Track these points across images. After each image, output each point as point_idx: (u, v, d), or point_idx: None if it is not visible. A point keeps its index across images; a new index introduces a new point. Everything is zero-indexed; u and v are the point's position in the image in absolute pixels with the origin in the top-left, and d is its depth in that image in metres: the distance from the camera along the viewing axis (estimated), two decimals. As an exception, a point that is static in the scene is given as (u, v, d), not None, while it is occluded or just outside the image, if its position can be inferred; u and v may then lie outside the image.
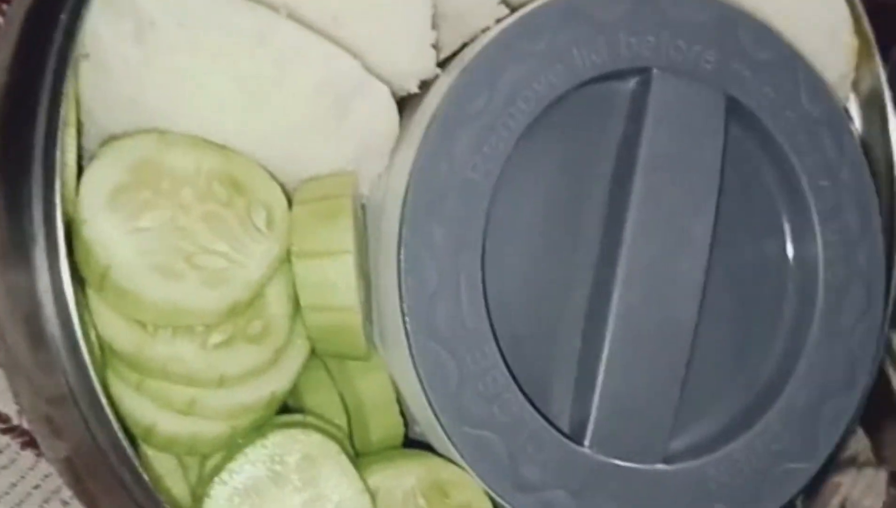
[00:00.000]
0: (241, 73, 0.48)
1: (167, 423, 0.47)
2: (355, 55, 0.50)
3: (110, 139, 0.49)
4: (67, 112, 0.46)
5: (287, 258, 0.49)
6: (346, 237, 0.48)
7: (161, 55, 0.48)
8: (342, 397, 0.52)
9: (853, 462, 0.72)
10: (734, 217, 0.56)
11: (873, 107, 0.61)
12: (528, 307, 0.53)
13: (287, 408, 0.52)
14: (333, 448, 0.48)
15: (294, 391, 0.52)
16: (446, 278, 0.50)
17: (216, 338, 0.47)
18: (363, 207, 0.54)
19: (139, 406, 0.47)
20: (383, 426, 0.52)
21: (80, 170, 0.47)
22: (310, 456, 0.48)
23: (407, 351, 0.50)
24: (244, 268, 0.47)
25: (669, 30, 0.54)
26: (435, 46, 0.53)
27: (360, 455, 0.52)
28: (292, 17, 0.49)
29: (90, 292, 0.47)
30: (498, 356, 0.51)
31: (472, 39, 0.55)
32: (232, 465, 0.47)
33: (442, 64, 0.55)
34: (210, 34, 0.47)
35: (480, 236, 0.51)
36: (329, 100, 0.49)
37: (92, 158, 0.48)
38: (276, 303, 0.49)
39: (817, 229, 0.56)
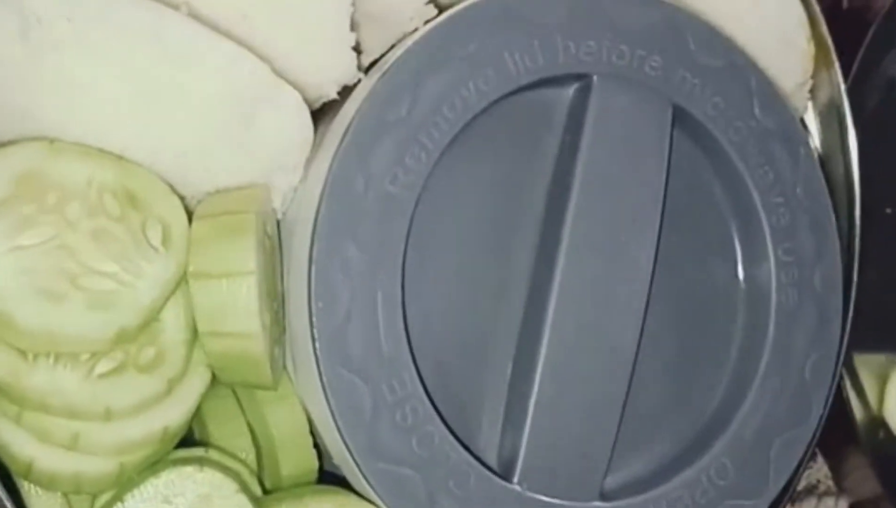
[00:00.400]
0: (135, 75, 0.44)
1: (48, 459, 0.43)
2: (267, 58, 0.47)
3: (-5, 147, 0.45)
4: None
5: (185, 279, 0.45)
6: (247, 257, 0.43)
7: (48, 54, 0.44)
8: (251, 428, 0.48)
9: (813, 491, 0.69)
10: (680, 236, 0.52)
11: (831, 118, 0.57)
12: (453, 332, 0.49)
13: (191, 439, 0.48)
14: (232, 486, 0.44)
15: (199, 420, 0.48)
16: (361, 300, 0.46)
17: (103, 367, 0.43)
18: (278, 222, 0.50)
19: (17, 440, 0.43)
20: (294, 459, 0.48)
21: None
22: (206, 496, 0.44)
23: (318, 379, 0.46)
24: (133, 290, 0.43)
25: (612, 33, 0.50)
26: (357, 49, 0.50)
27: (268, 492, 0.48)
28: (195, 14, 0.45)
29: (-36, 314, 0.43)
30: (418, 384, 0.47)
31: (399, 42, 0.51)
32: (120, 505, 0.43)
33: (367, 69, 0.51)
34: (99, 31, 0.43)
35: (400, 255, 0.47)
36: (232, 106, 0.45)
37: (-27, 168, 0.44)
38: (173, 328, 0.45)
39: (770, 249, 0.53)
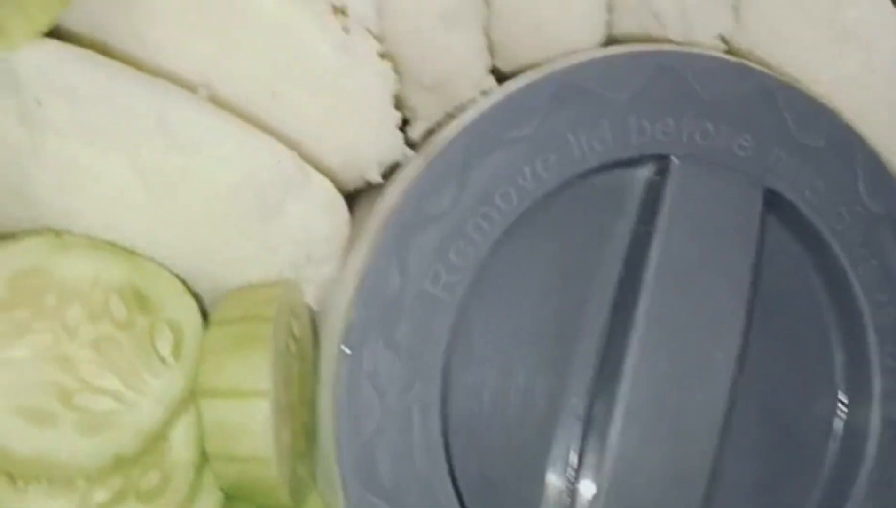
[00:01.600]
0: (142, 163, 0.39)
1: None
2: (299, 139, 0.42)
3: (-2, 239, 0.41)
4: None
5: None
6: (261, 375, 0.39)
7: (50, 139, 0.39)
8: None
9: None
10: (769, 338, 0.46)
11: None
12: (500, 447, 0.44)
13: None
14: None
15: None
16: (393, 413, 0.41)
17: (100, 495, 0.39)
18: (314, 318, 0.45)
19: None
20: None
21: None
22: None
23: (342, 504, 0.41)
24: (135, 410, 0.39)
25: (694, 109, 0.44)
26: (405, 123, 0.44)
27: None
28: (215, 95, 0.40)
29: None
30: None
31: (455, 112, 0.46)
32: None
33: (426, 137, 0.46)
34: (102, 115, 0.39)
35: (440, 364, 0.42)
36: (251, 198, 0.40)
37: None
38: (181, 448, 0.40)
39: (873, 352, 0.46)
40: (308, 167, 0.41)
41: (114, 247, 0.41)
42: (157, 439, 0.39)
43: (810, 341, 0.47)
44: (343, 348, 0.41)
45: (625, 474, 0.43)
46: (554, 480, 0.44)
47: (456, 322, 0.42)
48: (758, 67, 0.45)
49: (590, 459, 0.44)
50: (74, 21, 0.42)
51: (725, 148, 0.44)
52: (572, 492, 0.44)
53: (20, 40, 0.38)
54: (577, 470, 0.44)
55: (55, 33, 0.41)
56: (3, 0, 0.38)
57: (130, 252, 0.41)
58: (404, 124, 0.47)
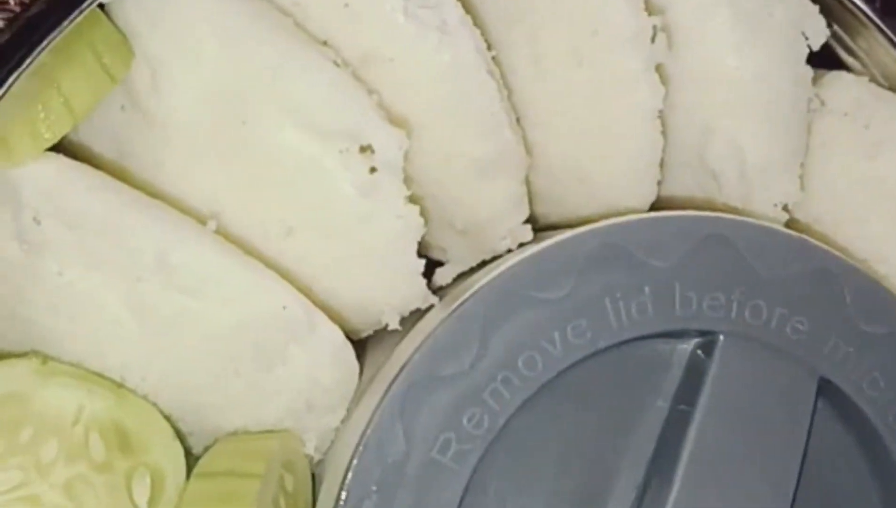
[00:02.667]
0: (139, 297, 0.37)
1: None
2: (313, 279, 0.39)
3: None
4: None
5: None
6: (239, 539, 0.35)
7: (46, 260, 0.37)
8: None
9: None
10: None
11: None
12: None
13: None
14: None
15: None
16: (390, 592, 0.37)
17: None
18: (317, 465, 0.41)
19: None
20: None
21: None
22: None
23: None
24: (99, 570, 0.36)
25: (746, 284, 0.41)
26: (435, 267, 0.41)
27: None
28: (225, 229, 0.38)
29: None
30: None
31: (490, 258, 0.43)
32: None
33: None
34: (101, 245, 0.36)
35: (446, 538, 0.38)
36: (250, 343, 0.37)
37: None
38: None
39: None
40: (317, 314, 0.38)
41: (101, 379, 0.38)
42: None
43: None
44: (335, 516, 0.37)
45: None
46: None
47: (465, 495, 0.38)
48: (819, 245, 0.42)
49: None
50: (91, 136, 0.40)
51: (777, 329, 0.41)
52: None
53: (25, 157, 0.36)
54: None
55: (67, 146, 0.39)
56: (10, 115, 0.35)
57: (119, 385, 0.38)
58: (436, 266, 0.44)
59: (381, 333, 0.42)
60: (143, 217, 0.36)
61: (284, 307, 0.37)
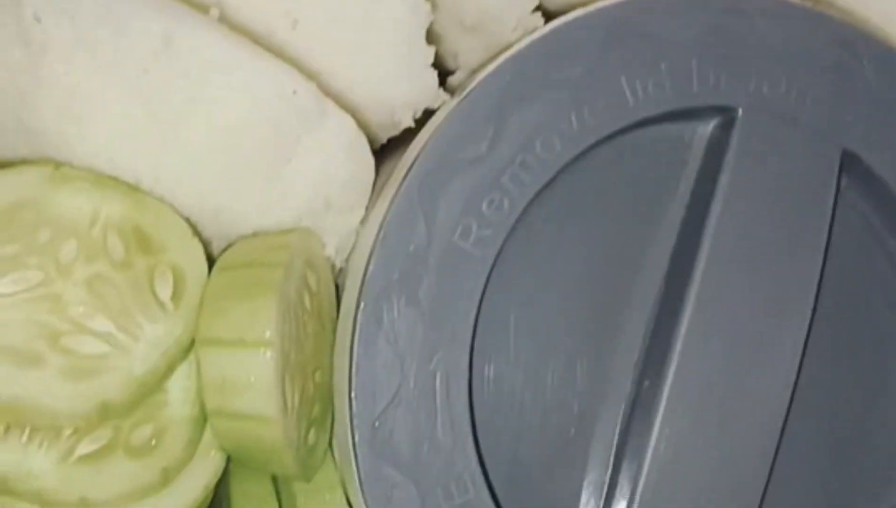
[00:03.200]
0: (147, 88, 0.36)
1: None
2: (322, 75, 0.38)
3: (-1, 168, 0.37)
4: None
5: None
6: (264, 324, 0.35)
7: (51, 61, 0.36)
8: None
9: None
10: (840, 318, 0.41)
11: None
12: (534, 424, 0.39)
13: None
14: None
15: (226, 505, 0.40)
16: (414, 379, 0.37)
17: (85, 447, 0.35)
18: (339, 273, 0.41)
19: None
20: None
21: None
22: None
23: (356, 477, 0.37)
24: (127, 356, 0.35)
25: (763, 57, 0.40)
26: (440, 66, 0.40)
27: None
28: (228, 19, 0.37)
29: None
30: (484, 488, 0.38)
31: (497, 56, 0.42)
32: None
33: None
34: (105, 35, 0.35)
35: (469, 327, 0.38)
36: (265, 133, 0.36)
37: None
38: (178, 402, 0.36)
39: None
40: (328, 102, 0.37)
41: (116, 181, 0.37)
42: (151, 390, 0.36)
43: (881, 323, 0.42)
44: (361, 304, 0.37)
45: (670, 466, 0.39)
46: (593, 467, 0.40)
47: (488, 283, 0.38)
48: (836, 15, 0.41)
49: (633, 447, 0.40)
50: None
51: (797, 102, 0.40)
52: (612, 486, 0.40)
53: (19, -50, 0.35)
54: (619, 458, 0.40)
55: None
56: None
57: (134, 188, 0.37)
58: (447, 74, 0.43)
59: (397, 142, 0.42)
60: (145, 4, 0.35)
61: (294, 92, 0.36)
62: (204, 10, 0.36)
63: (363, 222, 0.40)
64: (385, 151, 0.43)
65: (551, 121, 0.38)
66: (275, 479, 0.41)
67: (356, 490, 0.37)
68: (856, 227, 0.41)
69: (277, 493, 0.40)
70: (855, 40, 0.40)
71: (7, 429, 0.35)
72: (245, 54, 0.36)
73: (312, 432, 0.38)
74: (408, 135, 0.41)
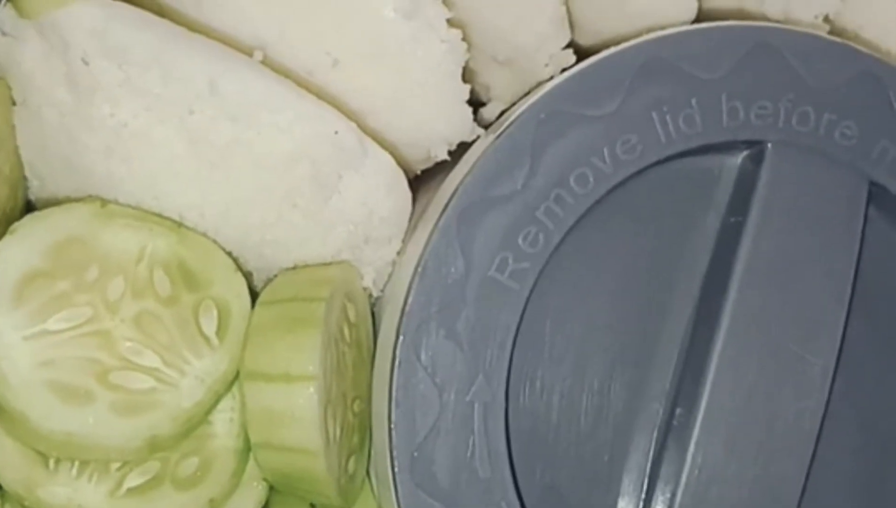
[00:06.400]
0: (193, 130, 0.37)
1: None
2: (361, 112, 0.39)
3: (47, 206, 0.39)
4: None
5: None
6: (308, 358, 0.36)
7: (98, 102, 0.37)
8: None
9: None
10: (870, 345, 0.42)
11: None
12: (570, 453, 0.40)
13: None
14: None
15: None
16: (453, 410, 0.38)
17: (134, 480, 0.36)
18: (373, 305, 0.42)
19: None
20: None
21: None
22: None
23: (395, 506, 0.38)
24: (175, 391, 0.36)
25: (793, 91, 0.40)
26: (476, 102, 0.41)
27: None
28: (272, 62, 0.38)
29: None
30: (523, 516, 0.39)
31: (531, 92, 0.43)
32: None
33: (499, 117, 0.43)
34: (153, 79, 0.36)
35: (506, 358, 0.38)
36: (306, 172, 0.37)
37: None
38: (224, 434, 0.37)
39: None
40: (368, 141, 0.38)
41: (161, 218, 0.38)
42: (198, 423, 0.37)
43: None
44: (401, 336, 0.38)
45: (704, 490, 0.40)
46: (628, 493, 0.41)
47: (524, 314, 0.39)
48: (864, 50, 0.41)
49: (667, 472, 0.40)
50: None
51: (826, 136, 0.41)
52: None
53: (67, -3, 0.36)
54: (653, 483, 0.41)
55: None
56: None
57: (178, 224, 0.38)
58: (479, 106, 0.44)
59: (431, 173, 0.43)
60: (190, 48, 0.36)
61: (336, 133, 0.37)
62: (248, 52, 0.38)
63: (400, 253, 0.41)
64: (419, 179, 0.44)
65: (584, 157, 0.39)
66: (313, 506, 0.42)
67: (396, 518, 0.38)
68: (884, 254, 0.42)
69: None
70: (881, 73, 0.41)
71: (57, 463, 0.36)
72: (287, 96, 0.37)
73: (352, 460, 0.39)
74: (442, 163, 0.42)
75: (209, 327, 0.37)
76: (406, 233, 0.41)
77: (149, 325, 0.37)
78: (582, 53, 0.42)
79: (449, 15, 0.38)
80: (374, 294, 0.42)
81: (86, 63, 0.37)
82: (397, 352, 0.38)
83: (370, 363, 0.41)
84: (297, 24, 0.38)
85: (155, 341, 0.37)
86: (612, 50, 0.40)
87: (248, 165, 0.37)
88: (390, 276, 0.41)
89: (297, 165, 0.37)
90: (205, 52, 0.36)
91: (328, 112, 0.37)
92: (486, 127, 0.43)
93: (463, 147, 0.42)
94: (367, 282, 0.41)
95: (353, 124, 0.38)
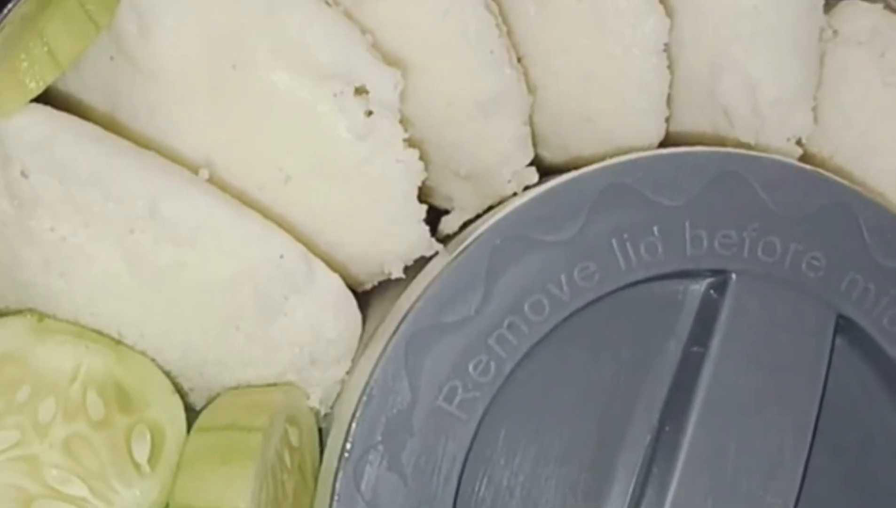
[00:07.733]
0: (133, 251, 0.36)
1: None
2: (313, 229, 0.38)
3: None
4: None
5: (174, 508, 0.36)
6: (240, 493, 0.34)
7: (36, 216, 0.36)
8: None
9: None
10: (838, 479, 0.40)
11: None
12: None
13: None
14: None
15: None
16: (396, 547, 0.36)
17: None
18: (324, 418, 0.41)
19: None
20: None
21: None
22: None
23: None
24: (100, 523, 0.35)
25: (758, 220, 0.39)
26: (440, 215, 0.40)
27: None
28: (219, 179, 0.37)
29: None
30: None
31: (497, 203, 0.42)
32: None
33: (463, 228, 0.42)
34: (91, 197, 0.35)
35: (451, 492, 0.37)
36: (250, 294, 0.36)
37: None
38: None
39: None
40: (316, 263, 0.37)
41: (99, 336, 0.37)
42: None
43: (883, 472, 0.41)
44: (342, 465, 0.36)
45: None
46: None
47: (472, 446, 0.37)
48: (835, 178, 0.40)
49: None
50: (82, 88, 0.39)
51: (793, 266, 0.39)
52: None
53: (9, 109, 0.35)
54: None
55: (58, 99, 0.38)
56: (-5, 68, 0.34)
57: (116, 342, 0.37)
58: (442, 214, 0.43)
59: (385, 285, 0.42)
60: (133, 166, 0.35)
61: (282, 256, 0.36)
62: (198, 166, 0.36)
63: (350, 372, 0.40)
64: (375, 290, 0.42)
65: (540, 283, 0.38)
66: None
67: None
68: (851, 386, 0.41)
69: None
70: (851, 203, 0.40)
71: None
72: (232, 217, 0.36)
73: None
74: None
75: (141, 453, 0.36)
76: (356, 351, 0.40)
77: (78, 450, 0.35)
78: (548, 169, 0.42)
79: (406, 135, 0.37)
80: (323, 412, 0.40)
81: (25, 176, 0.36)
82: (336, 485, 0.36)
83: (315, 486, 0.39)
84: (248, 139, 0.37)
85: (83, 468, 0.35)
86: (573, 174, 0.39)
87: (189, 287, 0.36)
88: (338, 395, 0.40)
89: (241, 287, 0.36)
90: (148, 171, 0.35)
91: (274, 234, 0.36)
92: (448, 237, 0.42)
93: (420, 259, 0.41)
94: (314, 402, 0.39)
95: (301, 246, 0.37)
